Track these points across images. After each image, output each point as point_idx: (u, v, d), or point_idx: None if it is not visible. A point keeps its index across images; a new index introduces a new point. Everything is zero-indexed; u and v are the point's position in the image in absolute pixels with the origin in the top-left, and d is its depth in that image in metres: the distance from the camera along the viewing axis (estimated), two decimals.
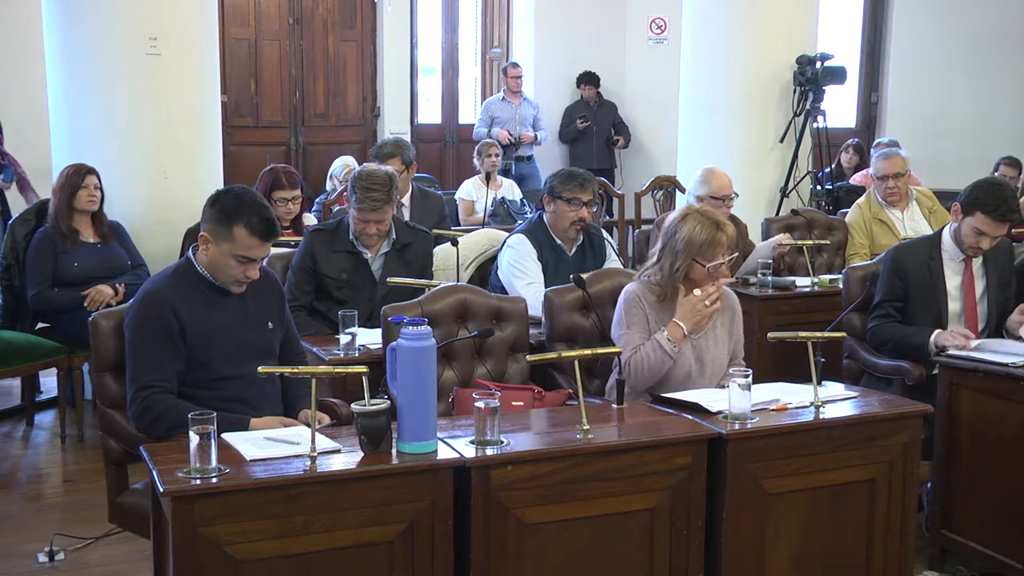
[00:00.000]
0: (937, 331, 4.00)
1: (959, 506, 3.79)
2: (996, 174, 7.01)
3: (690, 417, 3.04)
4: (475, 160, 7.82)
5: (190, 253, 3.25)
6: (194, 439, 2.46)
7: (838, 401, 3.24)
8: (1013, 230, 4.96)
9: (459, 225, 6.95)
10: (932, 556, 3.87)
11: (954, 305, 4.15)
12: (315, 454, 2.57)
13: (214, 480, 2.44)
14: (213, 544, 2.42)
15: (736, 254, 3.58)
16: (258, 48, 8.95)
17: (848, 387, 3.54)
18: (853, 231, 5.75)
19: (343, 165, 7.14)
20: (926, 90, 9.71)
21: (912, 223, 5.55)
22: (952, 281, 4.18)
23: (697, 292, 3.49)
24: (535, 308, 3.96)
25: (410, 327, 2.68)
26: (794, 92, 7.11)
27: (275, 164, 5.71)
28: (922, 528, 3.83)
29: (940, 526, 3.85)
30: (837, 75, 7.11)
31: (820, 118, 7.18)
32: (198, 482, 2.43)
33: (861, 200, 5.86)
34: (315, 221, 5.62)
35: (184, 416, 2.55)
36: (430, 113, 9.87)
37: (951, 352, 3.87)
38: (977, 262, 4.19)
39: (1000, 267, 4.22)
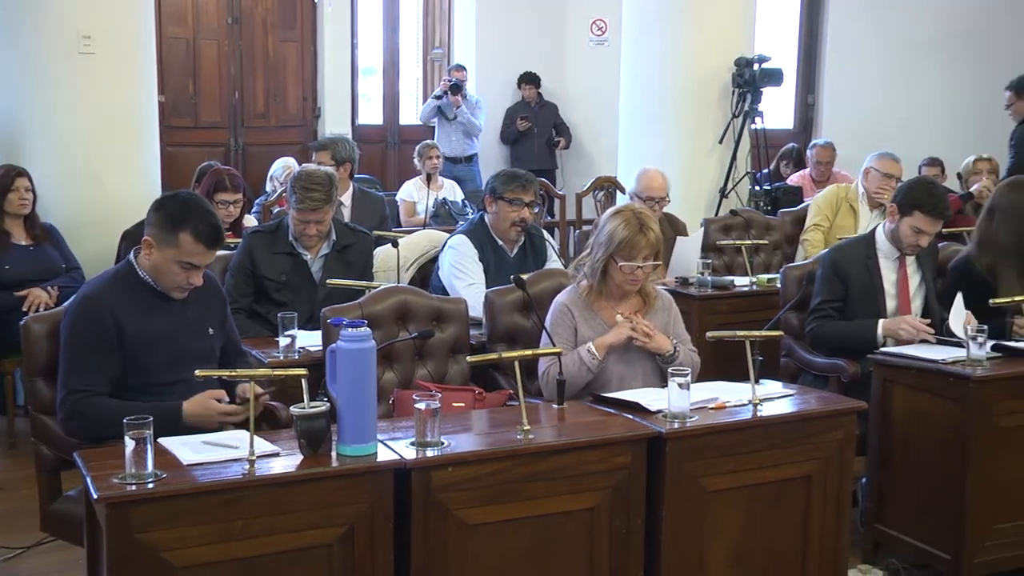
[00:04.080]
0: (883, 320, 4.08)
1: (892, 500, 3.86)
2: (922, 174, 7.16)
3: (629, 416, 3.06)
4: (416, 161, 7.80)
5: (131, 256, 3.21)
6: (129, 444, 2.42)
7: (775, 399, 3.29)
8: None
9: (400, 226, 6.92)
10: (866, 550, 3.94)
11: (891, 303, 4.24)
12: (254, 458, 2.55)
13: (150, 486, 2.41)
14: (150, 551, 2.39)
15: (659, 263, 3.61)
16: (196, 47, 8.83)
17: (785, 385, 3.60)
18: (820, 205, 5.91)
19: (283, 166, 7.08)
20: (860, 92, 9.86)
21: (874, 224, 5.67)
22: (888, 279, 4.27)
23: (632, 318, 3.51)
24: (476, 309, 3.97)
25: (349, 329, 2.67)
26: (732, 94, 7.19)
27: (218, 165, 5.65)
28: (857, 523, 3.90)
29: (874, 520, 3.92)
30: (774, 77, 7.21)
31: (758, 119, 7.27)
32: (134, 488, 2.39)
33: (842, 184, 6.11)
34: (255, 223, 5.57)
35: (113, 415, 2.51)
36: (371, 114, 9.82)
37: (885, 349, 3.94)
38: (910, 260, 4.28)
39: (930, 265, 4.32)
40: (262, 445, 2.64)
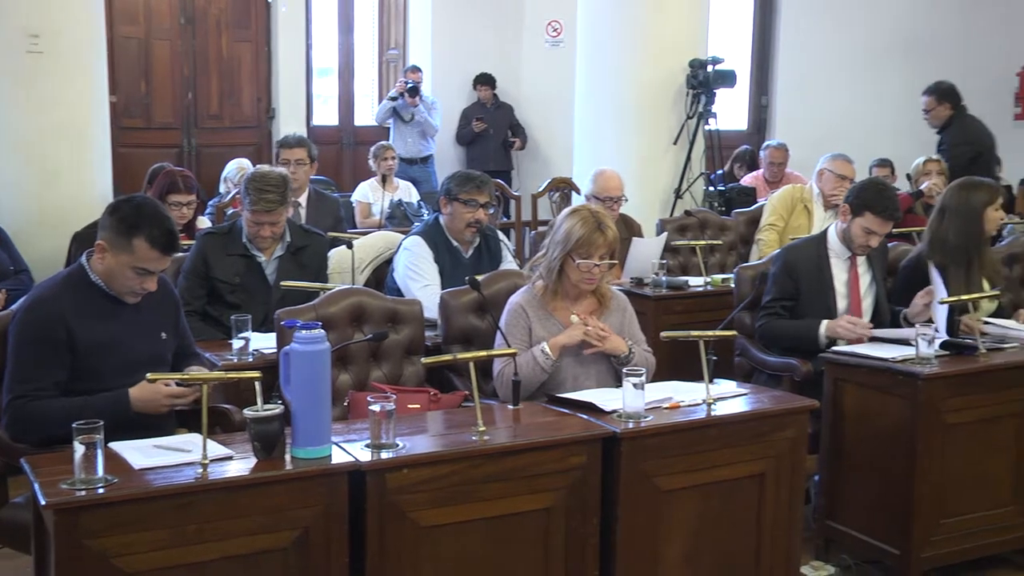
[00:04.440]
0: (826, 321, 4.13)
1: (843, 497, 3.91)
2: (873, 175, 7.26)
3: (584, 417, 3.07)
4: (371, 162, 7.78)
5: (83, 259, 3.17)
6: (79, 449, 2.39)
7: (729, 398, 3.31)
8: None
9: (355, 228, 6.89)
10: (818, 546, 3.99)
11: (842, 302, 4.29)
12: (207, 461, 2.53)
13: (100, 491, 2.38)
14: (100, 557, 2.36)
15: (615, 262, 3.63)
16: (148, 47, 8.74)
17: (739, 384, 3.63)
18: (775, 205, 5.96)
19: (237, 167, 7.02)
20: (813, 94, 9.97)
21: (827, 224, 5.74)
22: (840, 279, 4.32)
23: (588, 324, 3.53)
24: (431, 310, 3.96)
25: (303, 331, 2.66)
26: (687, 95, 7.24)
27: (171, 166, 5.60)
28: (809, 520, 3.94)
29: (826, 517, 3.97)
30: (727, 79, 7.27)
31: (712, 120, 7.33)
32: (83, 493, 2.37)
33: (797, 185, 6.17)
34: (208, 224, 5.52)
35: (58, 413, 2.48)
36: (326, 115, 9.77)
37: (836, 348, 3.99)
38: (861, 260, 4.33)
39: (881, 265, 4.38)
40: (215, 448, 2.62)
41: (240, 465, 2.58)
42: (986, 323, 4.20)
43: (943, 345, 3.85)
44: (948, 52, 9.96)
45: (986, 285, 4.37)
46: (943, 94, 6.95)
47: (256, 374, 2.73)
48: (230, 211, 5.99)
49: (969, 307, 4.16)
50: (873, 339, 4.08)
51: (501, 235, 4.72)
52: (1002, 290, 4.38)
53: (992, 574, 3.93)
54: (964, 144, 6.83)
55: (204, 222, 5.58)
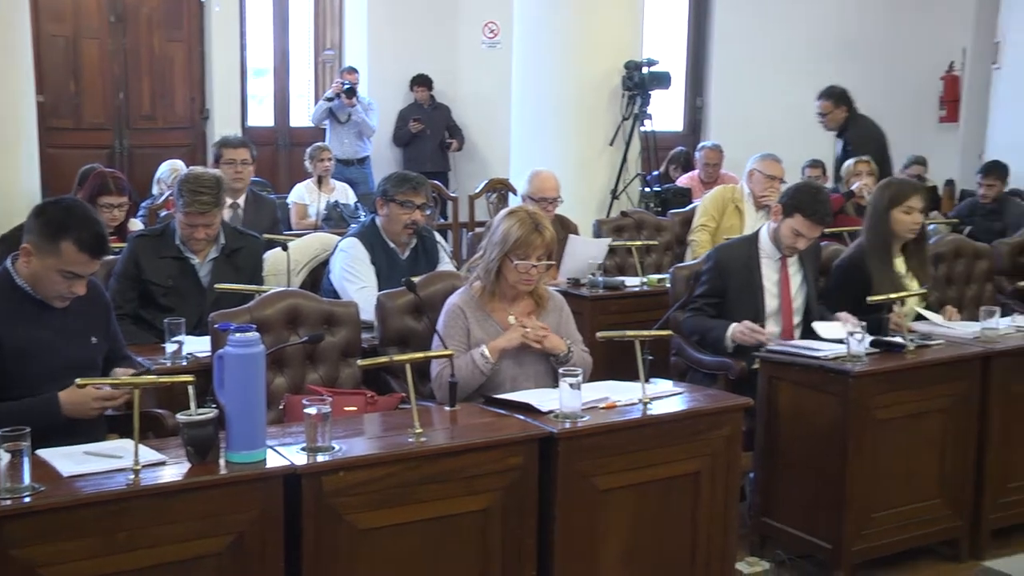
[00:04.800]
0: (732, 325, 4.18)
1: (778, 494, 3.97)
2: (805, 176, 7.37)
3: (521, 417, 3.08)
4: (307, 164, 7.72)
5: (8, 263, 3.10)
6: (3, 457, 2.34)
7: (665, 397, 3.34)
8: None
9: (292, 229, 6.84)
10: (753, 542, 4.04)
11: (772, 302, 4.35)
12: (139, 467, 2.49)
13: (26, 499, 2.33)
14: (26, 567, 2.31)
15: (553, 263, 3.65)
16: (77, 46, 8.57)
17: (675, 383, 3.66)
18: (707, 206, 6.03)
19: (170, 169, 6.93)
20: (747, 96, 10.10)
21: (759, 224, 5.81)
22: (770, 279, 4.37)
23: (527, 323, 3.54)
24: (367, 312, 3.94)
25: (237, 334, 2.63)
26: (622, 96, 7.30)
27: (101, 167, 5.50)
28: (744, 516, 3.99)
29: (761, 514, 4.02)
30: (662, 80, 7.34)
31: (648, 122, 7.39)
32: (8, 503, 2.31)
33: (729, 185, 6.24)
34: (141, 226, 5.44)
35: None
36: (262, 115, 9.68)
37: (771, 347, 4.05)
38: (792, 260, 4.39)
39: (812, 265, 4.44)
40: (147, 454, 2.58)
41: (173, 470, 2.55)
42: (916, 320, 4.29)
43: (873, 343, 3.92)
44: (876, 55, 10.16)
45: (914, 284, 4.47)
46: (839, 97, 7.01)
47: (189, 378, 2.70)
48: (163, 213, 5.91)
49: (892, 305, 4.24)
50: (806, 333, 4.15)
51: (438, 236, 4.72)
52: (930, 288, 4.48)
53: (919, 565, 4.01)
54: (871, 140, 6.95)
55: (136, 224, 5.48)
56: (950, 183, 9.41)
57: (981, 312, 4.24)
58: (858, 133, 6.95)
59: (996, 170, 6.89)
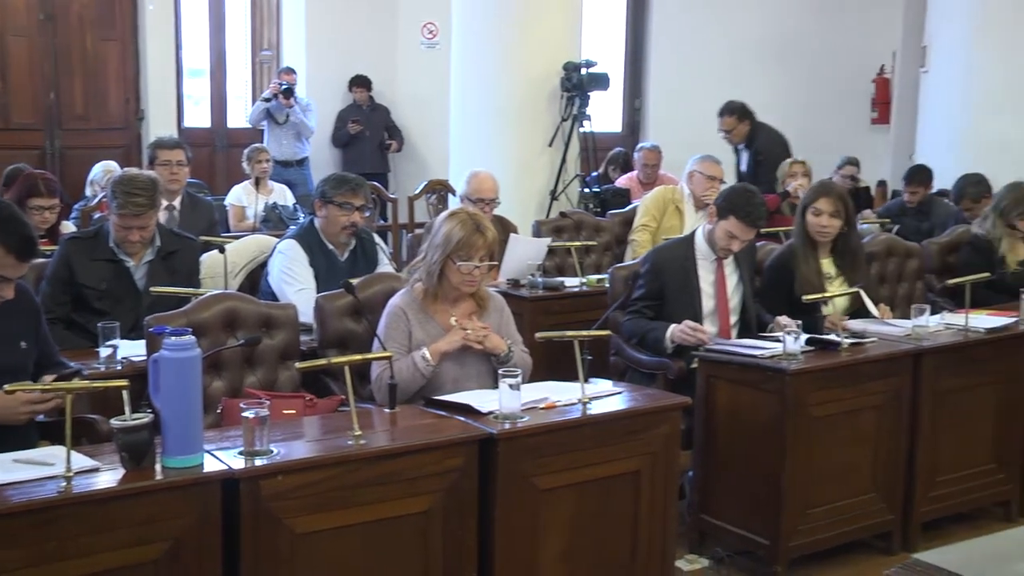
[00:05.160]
0: (672, 326, 4.22)
1: (716, 491, 4.01)
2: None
3: (461, 419, 3.08)
4: (244, 165, 7.64)
5: None
6: None
7: (604, 397, 3.36)
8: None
9: (230, 231, 6.77)
10: (693, 540, 4.08)
11: (708, 302, 4.39)
12: (71, 474, 2.45)
13: None
14: None
15: (495, 263, 3.65)
16: (4, 44, 8.40)
17: (614, 383, 3.69)
18: (647, 206, 6.09)
19: (104, 170, 6.81)
20: (685, 96, 10.18)
21: (696, 225, 5.87)
22: (706, 280, 4.41)
23: (467, 325, 3.54)
24: (306, 315, 3.91)
25: (173, 337, 2.60)
26: (561, 98, 7.33)
27: (29, 168, 5.39)
28: (684, 514, 4.03)
29: (700, 511, 4.06)
30: (601, 81, 7.39)
31: (587, 123, 7.43)
32: None
33: (668, 186, 6.29)
34: (73, 229, 5.35)
35: None
36: (198, 116, 9.56)
37: (708, 346, 4.09)
38: (728, 261, 4.44)
39: (748, 266, 4.50)
40: (80, 460, 2.54)
41: (107, 477, 2.51)
42: (853, 317, 4.37)
43: (808, 341, 3.98)
44: (810, 57, 10.33)
45: (842, 284, 4.54)
46: (742, 112, 7.07)
47: (123, 382, 2.66)
48: (97, 215, 5.81)
49: (820, 305, 4.31)
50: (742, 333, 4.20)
51: (377, 238, 4.71)
52: (863, 287, 4.55)
53: (853, 558, 4.08)
54: (779, 146, 7.04)
55: (69, 227, 5.39)
56: (882, 183, 9.58)
57: (912, 310, 4.33)
58: (767, 142, 7.01)
59: (919, 176, 7.03)
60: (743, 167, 7.16)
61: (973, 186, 6.31)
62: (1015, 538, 2.38)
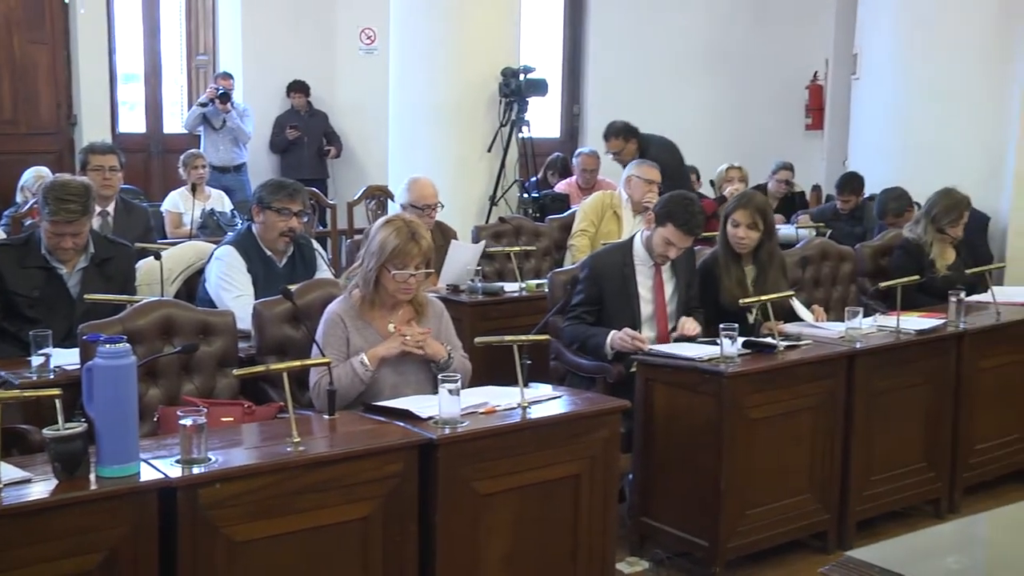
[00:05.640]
0: (612, 332, 4.25)
1: (656, 494, 4.05)
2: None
3: (401, 424, 3.07)
4: (181, 171, 7.56)
5: None
6: None
7: (544, 401, 3.38)
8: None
9: (167, 238, 6.69)
10: (633, 542, 4.12)
11: (647, 308, 4.43)
12: (1, 486, 2.41)
13: None
14: None
15: (432, 270, 3.65)
16: None
17: (554, 387, 3.69)
18: (586, 211, 6.13)
19: (35, 176, 6.68)
20: (622, 103, 10.22)
21: (637, 229, 5.91)
22: (644, 285, 4.45)
23: (406, 331, 3.54)
24: (244, 321, 3.88)
25: (107, 345, 2.57)
26: (500, 103, 7.35)
27: None
28: (624, 517, 4.06)
29: (640, 514, 4.09)
30: (539, 87, 7.42)
31: (525, 128, 7.46)
32: None
33: (607, 191, 6.31)
34: (3, 235, 5.25)
35: None
36: (133, 122, 9.41)
37: (649, 347, 4.13)
38: (666, 267, 4.48)
39: (685, 271, 4.54)
40: (10, 472, 2.49)
41: (39, 488, 2.46)
42: (788, 320, 4.44)
43: (744, 344, 4.03)
44: (746, 64, 10.46)
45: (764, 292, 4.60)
46: (628, 131, 7.00)
47: (56, 391, 2.62)
48: (28, 222, 5.70)
49: (750, 309, 4.38)
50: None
51: (316, 244, 4.68)
52: (796, 291, 4.62)
53: (789, 558, 4.14)
54: (668, 152, 7.06)
55: None
56: (817, 188, 9.75)
57: (846, 313, 4.40)
58: (659, 152, 6.98)
59: (851, 184, 7.15)
60: None
61: (894, 201, 6.44)
62: (944, 534, 2.44)
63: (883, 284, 4.93)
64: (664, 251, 4.36)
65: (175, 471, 2.61)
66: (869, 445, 4.29)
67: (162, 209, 7.32)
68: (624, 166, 6.85)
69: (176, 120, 9.54)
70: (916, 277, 4.94)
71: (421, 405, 3.18)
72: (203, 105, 8.85)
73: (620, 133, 6.98)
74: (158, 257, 4.44)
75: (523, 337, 3.42)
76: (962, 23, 6.95)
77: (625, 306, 4.37)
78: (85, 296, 4.02)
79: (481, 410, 3.20)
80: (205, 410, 2.76)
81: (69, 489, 2.46)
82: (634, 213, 6.13)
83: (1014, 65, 6.75)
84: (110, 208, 5.28)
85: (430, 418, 3.08)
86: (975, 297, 5.05)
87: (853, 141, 8.21)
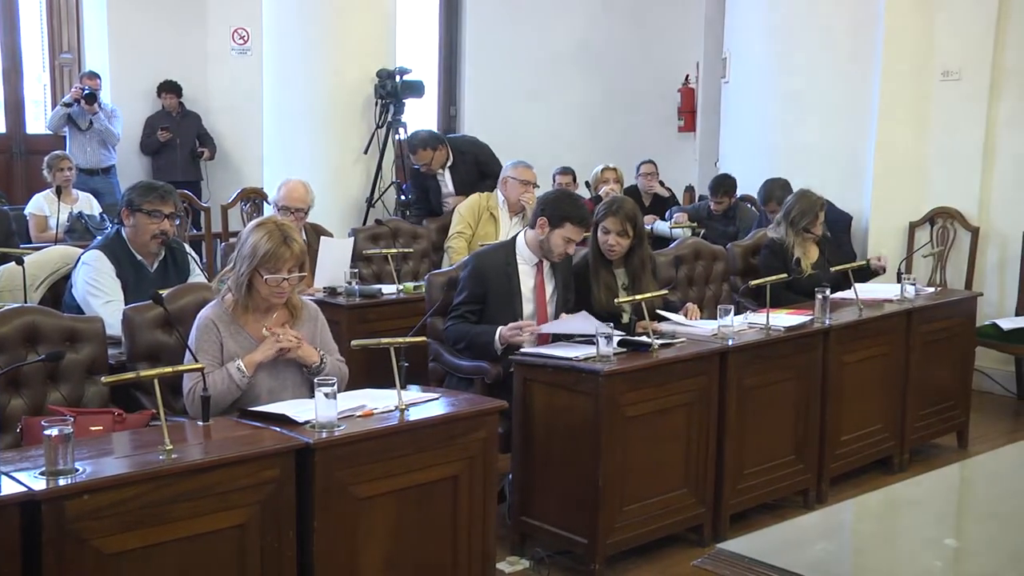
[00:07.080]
0: (500, 328, 4.28)
1: (536, 493, 4.08)
2: (556, 183, 7.60)
3: (277, 429, 3.04)
4: (46, 173, 7.30)
5: None
6: None
7: (422, 403, 3.37)
8: None
9: (31, 242, 6.45)
10: (514, 542, 4.15)
11: (528, 307, 4.47)
12: None
13: None
14: None
15: (305, 274, 3.62)
16: None
17: (432, 389, 3.70)
18: (463, 214, 6.17)
19: None
20: (499, 104, 10.31)
21: (514, 230, 5.93)
22: (526, 285, 4.49)
23: (278, 332, 3.50)
24: (114, 327, 3.78)
25: None
26: (376, 104, 7.31)
27: None
28: (505, 517, 4.08)
29: (520, 513, 4.12)
30: (415, 89, 7.40)
31: (402, 130, 7.43)
32: None
33: (483, 194, 6.32)
34: None
35: None
36: None
37: (524, 350, 4.16)
38: (546, 266, 4.53)
39: (563, 271, 4.60)
40: None
41: None
42: (662, 320, 4.53)
43: (621, 343, 4.10)
44: (621, 66, 10.62)
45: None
46: (435, 140, 6.95)
47: None
48: None
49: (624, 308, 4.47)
50: (557, 337, 4.29)
51: (188, 248, 4.58)
52: (671, 289, 4.72)
53: (667, 552, 4.23)
54: (475, 147, 7.14)
55: None
56: (690, 188, 9.97)
57: (718, 311, 4.51)
58: (479, 152, 6.99)
59: (724, 186, 7.32)
60: (450, 187, 6.98)
61: (780, 189, 6.62)
62: (811, 523, 2.53)
63: (753, 282, 5.06)
64: (564, 249, 4.43)
65: (39, 483, 2.52)
66: (742, 440, 4.40)
67: (25, 212, 7.07)
68: (434, 174, 6.84)
69: (40, 120, 9.20)
70: (783, 275, 5.10)
71: (298, 409, 3.15)
72: (67, 105, 8.55)
73: (427, 143, 6.87)
74: (20, 262, 4.29)
75: (400, 339, 3.41)
76: (823, 29, 7.18)
77: (507, 305, 4.41)
78: None
79: (358, 413, 3.18)
80: (72, 419, 2.68)
81: None
82: (511, 214, 6.18)
83: (871, 69, 7.01)
84: None
85: (307, 422, 3.05)
86: (839, 294, 5.23)
87: (724, 143, 8.40)
